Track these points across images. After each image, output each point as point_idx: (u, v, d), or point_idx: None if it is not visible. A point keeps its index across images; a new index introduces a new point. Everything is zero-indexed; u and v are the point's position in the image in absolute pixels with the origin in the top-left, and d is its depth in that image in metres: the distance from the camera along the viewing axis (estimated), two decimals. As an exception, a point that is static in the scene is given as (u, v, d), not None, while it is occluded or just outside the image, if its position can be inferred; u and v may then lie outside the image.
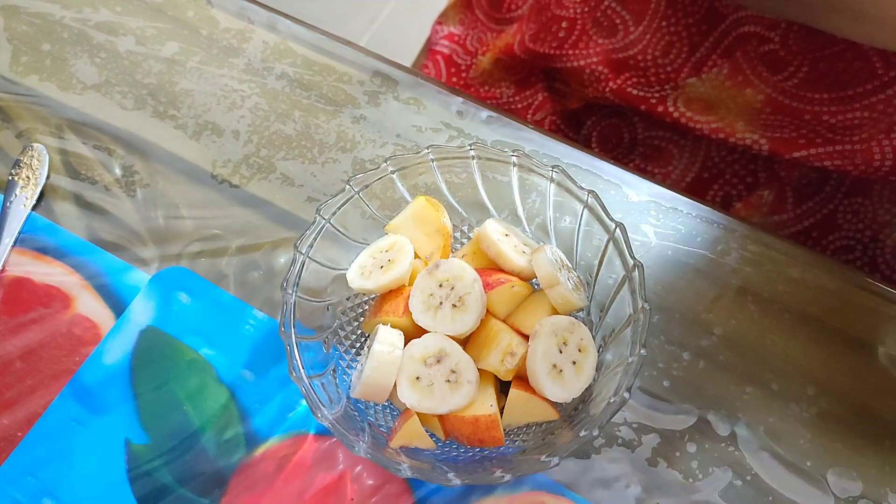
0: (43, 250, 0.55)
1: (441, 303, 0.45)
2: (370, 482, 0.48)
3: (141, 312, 0.53)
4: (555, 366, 0.45)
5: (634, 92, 0.65)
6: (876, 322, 0.51)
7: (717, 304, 0.52)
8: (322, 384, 0.45)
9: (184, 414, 0.50)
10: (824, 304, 0.51)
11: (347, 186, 0.49)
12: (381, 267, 0.47)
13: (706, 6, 0.60)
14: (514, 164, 0.48)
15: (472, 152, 0.49)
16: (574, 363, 0.45)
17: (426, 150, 0.49)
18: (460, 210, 0.52)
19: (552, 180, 0.48)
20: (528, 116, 0.73)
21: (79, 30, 0.64)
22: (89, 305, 0.53)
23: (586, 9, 0.65)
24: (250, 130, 0.59)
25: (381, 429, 0.47)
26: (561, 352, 0.45)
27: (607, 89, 0.66)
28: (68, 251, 0.55)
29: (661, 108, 0.65)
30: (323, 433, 0.49)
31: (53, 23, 0.64)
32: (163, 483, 0.48)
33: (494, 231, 0.48)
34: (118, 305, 0.53)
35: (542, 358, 0.45)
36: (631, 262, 0.45)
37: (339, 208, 0.49)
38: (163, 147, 0.59)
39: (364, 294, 0.51)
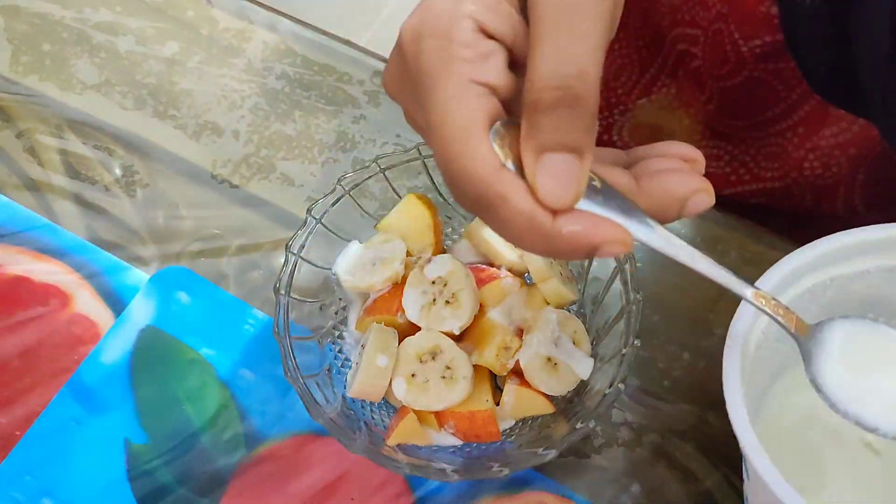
0: (42, 249, 0.55)
1: (434, 300, 0.45)
2: (370, 482, 0.48)
3: (140, 312, 0.53)
4: (549, 359, 0.45)
5: None
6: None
7: (717, 304, 0.52)
8: (318, 384, 0.45)
9: (183, 414, 0.50)
10: (825, 304, 0.51)
11: (338, 186, 0.49)
12: (374, 266, 0.47)
13: (654, 27, 0.59)
14: None
15: None
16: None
17: (415, 148, 0.49)
18: (452, 206, 0.52)
19: None
20: None
21: (79, 30, 0.64)
22: (88, 304, 0.53)
23: None
24: (250, 130, 0.59)
25: (378, 427, 0.47)
26: (555, 345, 0.45)
27: None
28: (68, 250, 0.55)
29: (605, 137, 0.64)
30: (323, 433, 0.49)
31: (53, 23, 0.64)
32: (163, 483, 0.48)
33: (485, 227, 0.48)
34: (117, 305, 0.53)
35: (536, 351, 0.45)
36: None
37: (329, 208, 0.49)
38: (163, 147, 0.59)
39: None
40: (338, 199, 0.49)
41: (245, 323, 0.53)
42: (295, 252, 0.48)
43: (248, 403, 0.50)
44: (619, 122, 0.63)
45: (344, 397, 0.47)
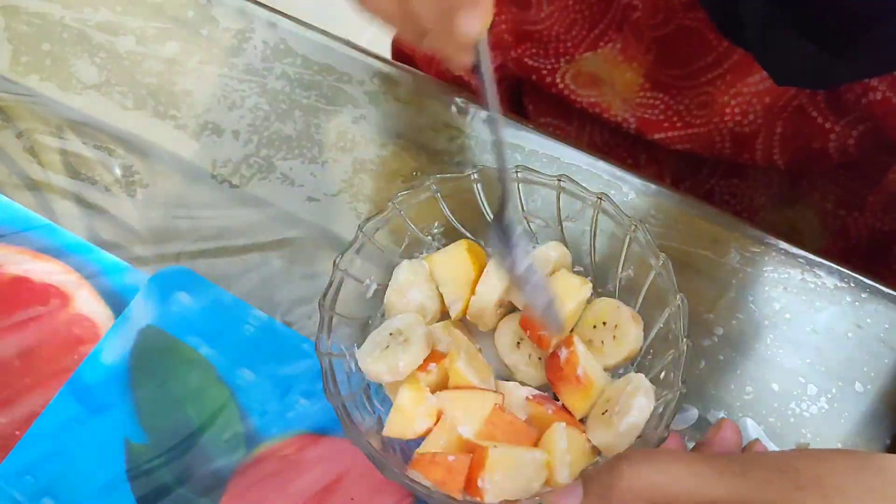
0: (42, 249, 0.55)
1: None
2: (370, 482, 0.48)
3: (140, 311, 0.53)
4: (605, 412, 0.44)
5: (530, 62, 0.66)
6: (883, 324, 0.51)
7: (717, 304, 0.52)
8: (355, 404, 0.45)
9: (183, 413, 0.50)
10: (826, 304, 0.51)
11: (390, 204, 0.49)
12: (388, 348, 0.46)
13: None
14: (559, 188, 0.49)
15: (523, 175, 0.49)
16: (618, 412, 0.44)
17: (472, 171, 0.49)
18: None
19: (597, 207, 0.48)
20: None
21: (79, 30, 0.64)
22: (88, 304, 0.53)
23: None
24: (250, 130, 0.59)
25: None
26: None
27: (509, 58, 0.67)
28: (68, 250, 0.55)
29: (549, 80, 0.66)
30: (323, 433, 0.49)
31: (53, 23, 0.64)
32: (162, 482, 0.48)
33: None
34: (117, 304, 0.53)
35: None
36: (676, 295, 0.45)
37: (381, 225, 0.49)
38: (163, 147, 0.59)
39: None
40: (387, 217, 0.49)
41: (245, 323, 0.53)
42: (342, 269, 0.47)
43: (248, 403, 0.50)
44: (564, 69, 0.66)
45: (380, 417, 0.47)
